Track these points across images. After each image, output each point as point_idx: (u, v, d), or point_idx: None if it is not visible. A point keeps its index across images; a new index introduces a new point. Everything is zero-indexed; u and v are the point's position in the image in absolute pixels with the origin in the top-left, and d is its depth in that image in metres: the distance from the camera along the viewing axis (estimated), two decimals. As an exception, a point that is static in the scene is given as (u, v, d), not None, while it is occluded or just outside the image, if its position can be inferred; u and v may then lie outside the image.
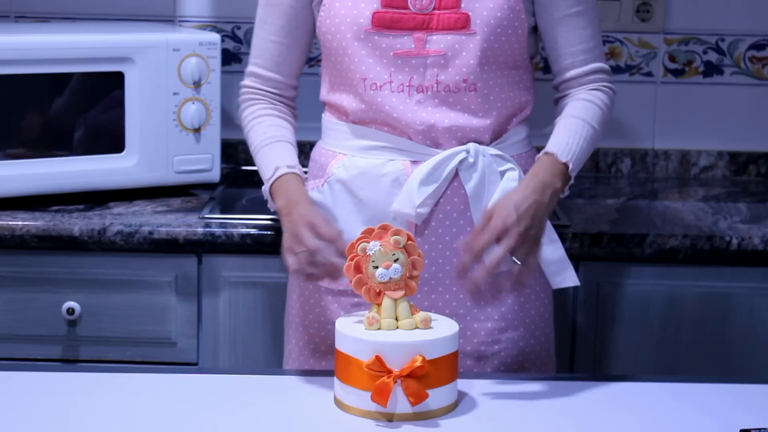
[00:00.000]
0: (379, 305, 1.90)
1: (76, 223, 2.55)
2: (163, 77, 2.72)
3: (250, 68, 2.29)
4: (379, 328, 1.89)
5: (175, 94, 2.74)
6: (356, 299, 2.16)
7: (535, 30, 2.21)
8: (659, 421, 1.88)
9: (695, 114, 3.16)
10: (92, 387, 1.97)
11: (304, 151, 2.57)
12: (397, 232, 1.91)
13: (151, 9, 3.11)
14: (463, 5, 2.13)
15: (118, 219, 2.58)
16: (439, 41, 2.14)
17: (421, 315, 1.91)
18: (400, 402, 1.84)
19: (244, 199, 2.82)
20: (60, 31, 2.76)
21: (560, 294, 2.50)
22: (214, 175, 2.82)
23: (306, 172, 2.25)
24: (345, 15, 2.15)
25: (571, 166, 2.12)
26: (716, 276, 2.60)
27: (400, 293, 1.91)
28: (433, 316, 1.94)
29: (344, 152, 2.22)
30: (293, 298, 2.30)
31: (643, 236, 2.57)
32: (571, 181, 2.14)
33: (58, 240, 2.54)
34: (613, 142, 3.16)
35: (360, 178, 2.19)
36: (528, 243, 2.01)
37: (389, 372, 1.83)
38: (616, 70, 3.13)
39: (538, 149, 2.19)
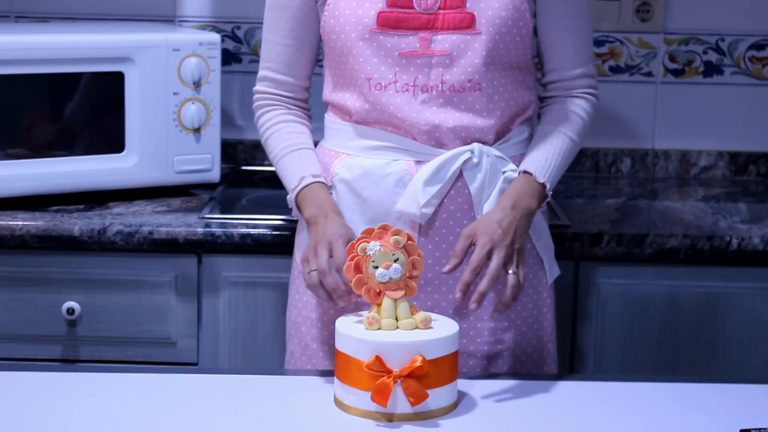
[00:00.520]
0: (379, 305, 1.90)
1: (76, 223, 2.55)
2: (163, 77, 2.72)
3: (263, 72, 2.29)
4: (379, 328, 1.89)
5: (175, 94, 2.74)
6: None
7: (535, 30, 2.22)
8: (659, 421, 1.88)
9: (695, 114, 3.16)
10: (92, 387, 1.97)
11: (304, 151, 2.57)
12: (397, 232, 1.91)
13: (151, 9, 3.11)
14: (468, 5, 2.13)
15: (118, 219, 2.58)
16: (444, 41, 2.14)
17: (421, 315, 1.91)
18: (400, 402, 1.84)
19: (244, 199, 2.82)
20: (60, 31, 2.76)
21: (560, 294, 2.50)
22: (214, 175, 2.82)
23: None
24: (350, 15, 2.15)
25: (548, 186, 2.15)
26: (716, 276, 2.60)
27: (400, 293, 1.91)
28: (433, 316, 1.94)
29: (347, 152, 2.22)
30: (295, 297, 2.30)
31: (643, 236, 2.57)
32: (548, 199, 2.17)
33: (58, 240, 2.54)
34: (613, 142, 3.16)
35: (364, 178, 2.19)
36: (515, 256, 2.05)
37: (389, 372, 1.83)
38: (616, 70, 3.13)
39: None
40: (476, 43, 2.14)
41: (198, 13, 3.12)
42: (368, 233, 1.92)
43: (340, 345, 1.89)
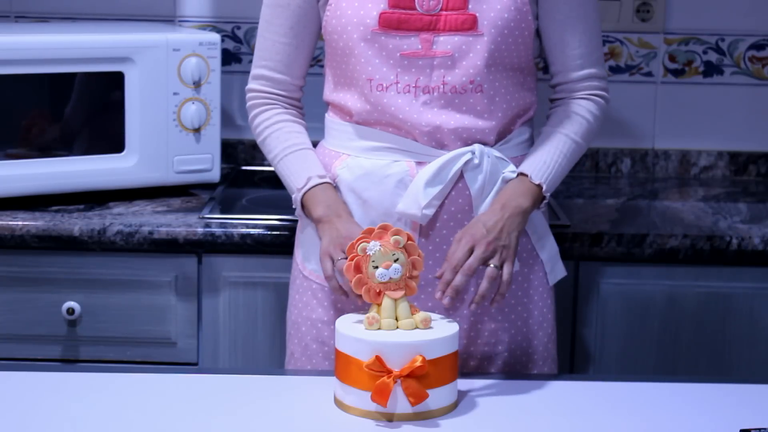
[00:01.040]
0: (379, 305, 1.90)
1: (76, 223, 2.55)
2: (163, 77, 2.72)
3: (258, 71, 2.28)
4: (379, 328, 1.89)
5: (175, 94, 2.74)
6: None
7: (537, 32, 2.22)
8: (659, 421, 1.88)
9: (695, 114, 3.16)
10: (92, 387, 1.97)
11: (304, 151, 2.57)
12: (397, 232, 1.91)
13: (151, 9, 3.11)
14: (470, 6, 2.13)
15: (118, 219, 2.58)
16: (446, 42, 2.14)
17: (421, 315, 1.91)
18: (400, 402, 1.84)
19: (244, 199, 2.82)
20: (60, 31, 2.76)
21: (560, 294, 2.49)
22: (214, 175, 2.82)
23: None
24: (352, 15, 2.15)
25: (545, 188, 2.15)
26: (716, 276, 2.60)
27: (400, 293, 1.91)
28: (433, 316, 1.94)
29: (348, 153, 2.22)
30: (295, 297, 2.30)
31: (643, 236, 2.57)
32: (546, 200, 2.16)
33: (58, 240, 2.54)
34: (613, 142, 3.16)
35: (365, 179, 2.19)
36: (500, 252, 2.05)
37: (389, 372, 1.83)
38: (616, 70, 3.13)
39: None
40: (478, 44, 2.14)
41: (198, 13, 3.12)
42: (368, 233, 1.93)
43: (340, 345, 1.89)
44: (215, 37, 2.77)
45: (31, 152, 2.66)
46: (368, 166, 2.19)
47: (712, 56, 3.13)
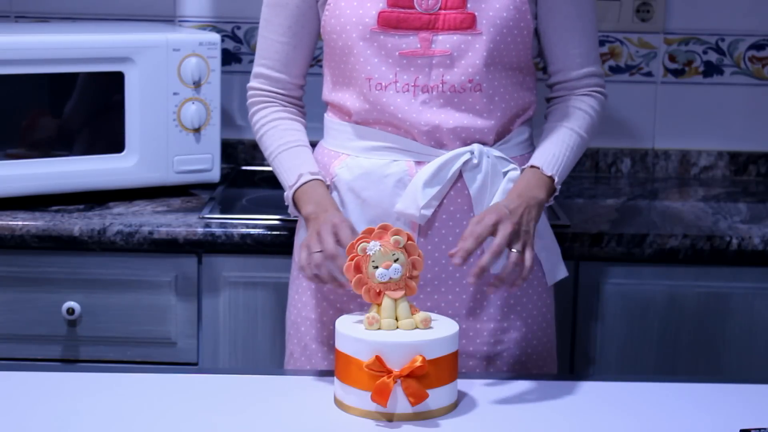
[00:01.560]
0: (379, 305, 1.90)
1: (76, 223, 2.55)
2: (163, 77, 2.72)
3: (258, 69, 2.28)
4: (379, 328, 1.89)
5: (175, 94, 2.74)
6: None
7: (535, 31, 2.22)
8: (659, 421, 1.88)
9: (695, 114, 3.16)
10: (92, 387, 1.97)
11: (304, 151, 2.57)
12: (397, 232, 1.91)
13: (151, 9, 3.11)
14: (469, 5, 2.13)
15: (118, 219, 2.58)
16: (445, 41, 2.14)
17: (421, 315, 1.91)
18: (400, 402, 1.84)
19: (244, 199, 2.82)
20: (60, 31, 2.76)
21: (560, 294, 2.50)
22: (214, 175, 2.82)
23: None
24: (351, 14, 2.15)
25: (556, 179, 2.15)
26: (716, 276, 2.60)
27: (400, 293, 1.91)
28: (433, 316, 1.94)
29: (347, 152, 2.22)
30: (295, 297, 2.30)
31: (643, 236, 2.57)
32: (557, 193, 2.16)
33: (58, 240, 2.54)
34: (613, 142, 3.16)
35: (363, 179, 2.19)
36: (522, 236, 2.03)
37: (389, 372, 1.83)
38: (616, 70, 3.13)
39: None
40: (477, 43, 2.14)
41: (198, 13, 3.12)
42: (368, 233, 1.92)
43: (340, 345, 1.89)
44: (215, 37, 2.78)
45: (31, 152, 2.66)
46: (367, 166, 2.19)
47: (712, 56, 3.13)
